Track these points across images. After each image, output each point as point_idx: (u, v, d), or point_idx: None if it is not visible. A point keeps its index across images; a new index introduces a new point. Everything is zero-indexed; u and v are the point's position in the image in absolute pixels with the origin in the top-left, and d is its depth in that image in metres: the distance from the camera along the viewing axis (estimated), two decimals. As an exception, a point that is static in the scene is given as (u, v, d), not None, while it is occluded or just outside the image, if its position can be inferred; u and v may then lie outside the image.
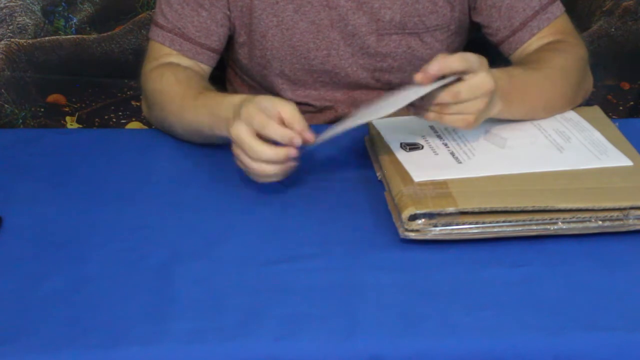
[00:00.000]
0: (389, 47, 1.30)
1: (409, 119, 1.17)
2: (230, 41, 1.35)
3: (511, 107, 1.14)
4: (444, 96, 1.05)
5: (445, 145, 1.13)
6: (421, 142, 1.14)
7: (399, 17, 1.29)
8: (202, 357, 0.87)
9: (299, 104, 1.33)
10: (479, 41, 1.38)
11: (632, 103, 1.76)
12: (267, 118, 1.03)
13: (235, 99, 1.11)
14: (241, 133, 1.04)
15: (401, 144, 1.13)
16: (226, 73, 1.46)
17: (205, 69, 1.32)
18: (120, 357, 0.86)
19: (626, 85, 1.75)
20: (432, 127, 1.17)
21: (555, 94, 1.22)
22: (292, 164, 1.06)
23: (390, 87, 1.33)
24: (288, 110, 1.04)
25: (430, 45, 1.31)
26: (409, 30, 1.29)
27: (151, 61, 1.30)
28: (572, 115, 1.22)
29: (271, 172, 1.06)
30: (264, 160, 1.04)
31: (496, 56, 1.31)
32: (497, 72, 1.10)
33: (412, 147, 1.13)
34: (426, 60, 1.24)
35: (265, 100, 1.06)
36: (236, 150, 1.06)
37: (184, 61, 1.30)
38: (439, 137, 1.15)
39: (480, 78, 1.05)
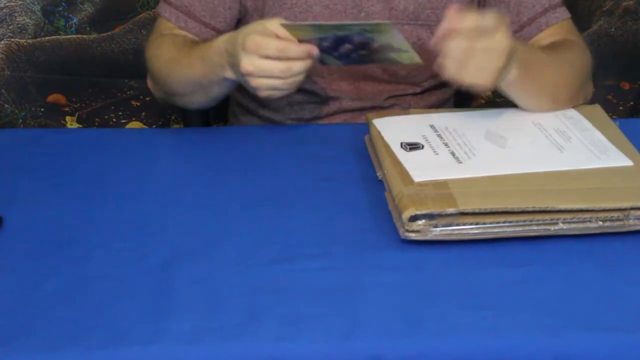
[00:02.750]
0: None
1: (410, 118, 1.17)
2: (239, 25, 1.35)
3: (526, 78, 1.15)
4: (461, 42, 1.06)
5: (446, 144, 1.13)
6: (422, 141, 1.14)
7: (412, 7, 1.29)
8: (202, 357, 0.87)
9: (304, 92, 1.33)
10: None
11: (632, 103, 1.76)
12: (280, 42, 1.10)
13: (219, 40, 1.17)
14: (256, 64, 1.10)
15: (401, 143, 1.13)
16: None
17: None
18: (120, 357, 0.86)
19: (626, 85, 1.76)
20: (432, 127, 1.17)
21: (563, 82, 1.23)
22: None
23: (396, 78, 1.34)
24: (279, 29, 1.10)
25: None
26: (421, 22, 1.29)
27: (156, 34, 1.34)
28: (572, 113, 1.21)
29: (298, 69, 1.11)
30: (290, 57, 1.10)
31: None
32: (518, 41, 1.13)
33: (413, 146, 1.13)
34: (435, 54, 1.26)
35: (259, 25, 1.12)
36: (252, 77, 1.11)
37: (189, 37, 1.31)
38: (440, 136, 1.15)
39: (497, 37, 1.07)
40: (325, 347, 0.88)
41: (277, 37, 1.10)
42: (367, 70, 1.33)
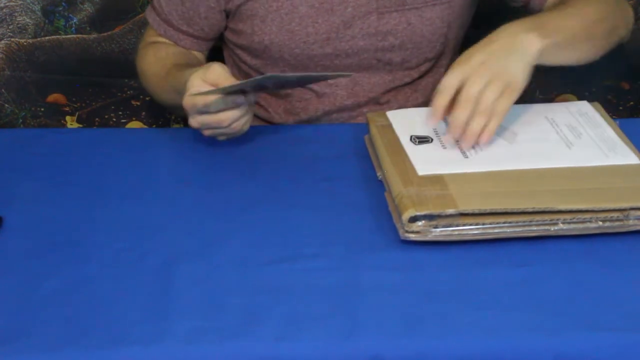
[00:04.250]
0: (389, 25, 1.30)
1: (423, 111, 1.17)
2: (225, 29, 1.36)
3: (552, 38, 1.14)
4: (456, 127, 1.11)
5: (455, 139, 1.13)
6: (431, 135, 1.14)
7: None
8: (202, 357, 0.87)
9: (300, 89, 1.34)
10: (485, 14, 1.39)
11: (632, 103, 1.76)
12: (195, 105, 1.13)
13: (185, 75, 1.18)
14: (198, 120, 1.15)
15: (411, 136, 1.13)
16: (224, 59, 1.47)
17: (196, 54, 1.37)
18: (120, 357, 0.86)
19: (626, 85, 1.75)
20: (445, 119, 1.17)
21: (595, 18, 1.22)
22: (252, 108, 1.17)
23: (391, 66, 1.34)
24: (212, 75, 1.13)
25: (431, 21, 1.31)
26: (408, 6, 1.29)
27: (143, 41, 1.39)
28: (587, 109, 1.21)
29: (231, 117, 1.15)
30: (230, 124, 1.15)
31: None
32: (515, 22, 1.14)
33: (422, 140, 1.13)
34: (427, 37, 1.31)
35: (195, 79, 1.14)
36: (202, 130, 1.16)
37: (169, 49, 1.35)
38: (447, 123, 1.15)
39: (447, 79, 1.11)
40: (325, 347, 0.88)
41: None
42: (362, 61, 1.33)
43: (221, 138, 1.19)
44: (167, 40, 1.36)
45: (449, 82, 1.11)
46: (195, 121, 1.15)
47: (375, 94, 1.36)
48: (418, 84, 1.38)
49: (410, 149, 1.12)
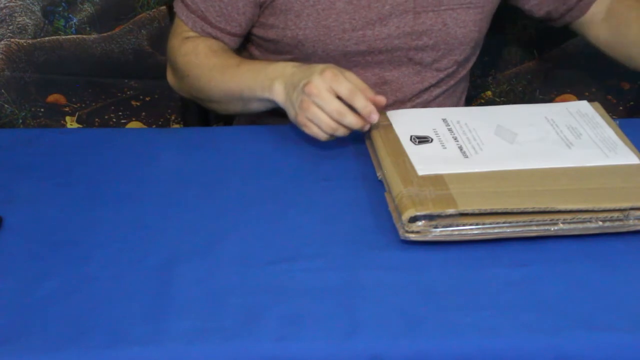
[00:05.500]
0: (425, 25, 1.30)
1: (423, 111, 1.18)
2: (255, 24, 1.35)
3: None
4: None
5: (455, 139, 1.13)
6: (431, 135, 1.14)
7: None
8: (202, 357, 0.87)
9: None
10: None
11: (632, 103, 1.76)
12: (355, 87, 1.12)
13: (287, 66, 1.20)
14: (322, 90, 1.12)
15: (411, 136, 1.14)
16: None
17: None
18: (120, 357, 0.86)
19: (626, 85, 1.76)
20: (444, 120, 1.17)
21: None
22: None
23: (421, 66, 1.34)
24: (365, 86, 1.14)
25: (465, 23, 1.32)
26: (444, 7, 1.30)
27: (177, 36, 1.35)
28: (587, 110, 1.21)
29: (339, 131, 1.15)
30: (341, 123, 1.13)
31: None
32: None
33: (422, 140, 1.13)
34: (459, 39, 1.32)
35: (347, 71, 1.15)
36: (307, 104, 1.13)
37: (225, 45, 1.34)
38: (450, 130, 1.15)
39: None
40: (325, 347, 0.88)
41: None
42: (394, 59, 1.33)
43: (303, 120, 1.15)
44: (202, 36, 1.34)
45: None
46: (317, 88, 1.12)
47: (403, 93, 1.36)
48: (441, 85, 1.39)
49: (411, 149, 1.12)
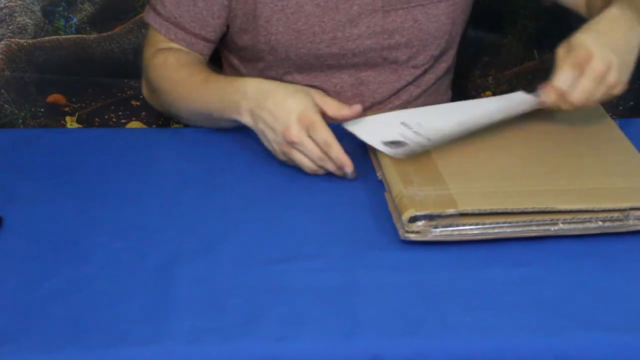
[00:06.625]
0: (395, 23, 1.30)
1: (380, 117, 1.17)
2: (227, 32, 1.34)
3: None
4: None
5: (417, 133, 1.11)
6: (400, 138, 1.12)
7: None
8: (202, 357, 0.87)
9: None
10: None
11: (632, 103, 1.76)
12: (330, 137, 1.12)
13: (247, 85, 1.17)
14: (303, 138, 1.12)
15: (384, 142, 1.11)
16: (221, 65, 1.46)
17: (201, 57, 1.33)
18: (120, 357, 0.86)
19: (626, 85, 1.75)
20: (404, 124, 1.14)
21: None
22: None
23: (397, 64, 1.34)
24: (330, 105, 1.15)
25: (436, 17, 1.31)
26: (414, 3, 1.29)
27: (149, 47, 1.33)
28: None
29: (321, 171, 1.14)
30: (323, 167, 1.13)
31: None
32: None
33: (396, 144, 1.11)
34: (432, 34, 1.30)
35: (309, 97, 1.14)
36: (289, 149, 1.13)
37: (195, 57, 1.32)
38: (416, 133, 1.12)
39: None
40: (325, 347, 0.88)
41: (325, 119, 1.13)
42: (368, 59, 1.33)
43: (283, 158, 1.15)
44: (178, 46, 1.32)
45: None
46: (297, 137, 1.11)
47: (380, 94, 1.36)
48: (420, 81, 1.38)
49: (390, 152, 1.10)
